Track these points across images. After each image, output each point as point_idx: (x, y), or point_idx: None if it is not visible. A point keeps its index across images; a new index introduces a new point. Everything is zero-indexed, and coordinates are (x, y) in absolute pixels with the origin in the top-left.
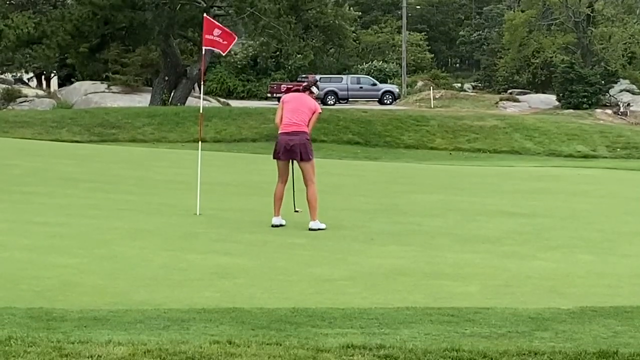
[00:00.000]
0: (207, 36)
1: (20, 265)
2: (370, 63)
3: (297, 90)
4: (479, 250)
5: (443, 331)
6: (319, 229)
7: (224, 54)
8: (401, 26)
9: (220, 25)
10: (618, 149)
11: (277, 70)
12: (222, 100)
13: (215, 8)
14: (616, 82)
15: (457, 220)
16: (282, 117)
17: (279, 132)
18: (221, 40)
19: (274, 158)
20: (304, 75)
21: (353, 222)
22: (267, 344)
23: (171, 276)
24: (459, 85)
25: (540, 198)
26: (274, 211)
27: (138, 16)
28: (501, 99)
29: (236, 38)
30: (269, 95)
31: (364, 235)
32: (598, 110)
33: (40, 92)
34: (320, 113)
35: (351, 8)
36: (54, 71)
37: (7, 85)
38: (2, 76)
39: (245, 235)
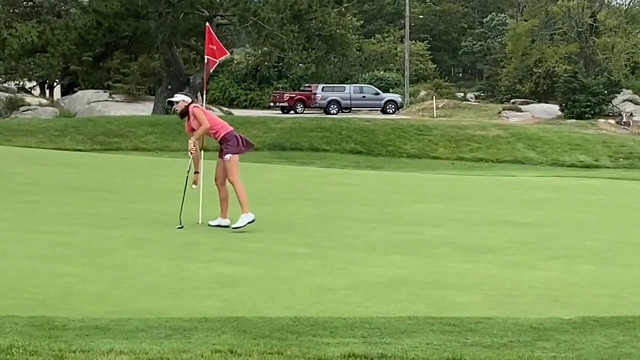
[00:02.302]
0: (209, 45)
1: (22, 273)
2: (372, 72)
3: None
4: (481, 260)
5: (445, 341)
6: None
7: (227, 54)
8: (404, 35)
9: (217, 40)
10: (621, 159)
11: (279, 79)
12: (225, 109)
13: (219, 17)
14: (619, 92)
15: (459, 230)
16: (217, 120)
17: (230, 130)
18: (216, 50)
19: (237, 153)
20: (307, 85)
21: (355, 231)
22: (269, 353)
23: (173, 285)
24: (462, 94)
25: (542, 208)
26: (246, 208)
27: (141, 25)
28: (504, 109)
29: (227, 54)
30: (271, 104)
31: (366, 244)
32: (601, 120)
33: (43, 101)
34: None
35: (354, 18)
36: (57, 80)
37: (10, 94)
38: (6, 85)
39: (248, 244)
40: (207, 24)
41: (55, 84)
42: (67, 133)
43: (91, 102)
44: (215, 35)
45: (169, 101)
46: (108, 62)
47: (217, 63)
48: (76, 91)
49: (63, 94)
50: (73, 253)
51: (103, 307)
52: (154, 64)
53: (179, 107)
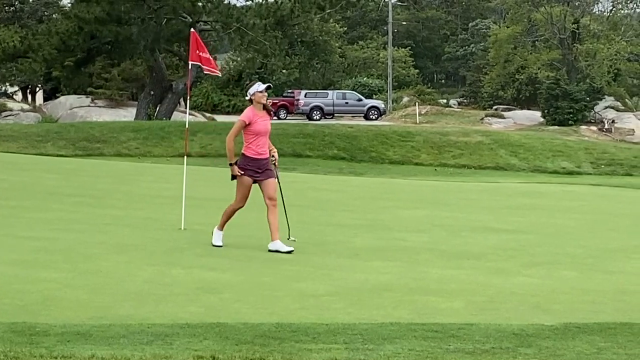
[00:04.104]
0: (196, 51)
1: (4, 279)
2: (355, 78)
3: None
4: (463, 266)
5: (427, 347)
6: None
7: (219, 74)
8: (387, 42)
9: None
10: (602, 166)
11: None
12: (208, 114)
13: (202, 23)
14: (601, 99)
15: (442, 236)
16: None
17: None
18: (211, 60)
19: None
20: (289, 91)
21: (338, 237)
22: (251, 359)
23: (156, 291)
24: (445, 101)
25: (524, 214)
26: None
27: (124, 30)
28: (486, 115)
29: (217, 72)
30: None
31: (349, 250)
32: (583, 127)
33: (26, 106)
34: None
35: (337, 24)
36: (40, 85)
37: None
38: None
39: (230, 250)
40: (192, 29)
41: (37, 89)
42: (49, 138)
43: (73, 107)
44: (204, 46)
45: (268, 85)
46: (90, 67)
47: (210, 70)
48: (58, 96)
49: (45, 99)
50: (55, 259)
51: (85, 313)
52: (136, 69)
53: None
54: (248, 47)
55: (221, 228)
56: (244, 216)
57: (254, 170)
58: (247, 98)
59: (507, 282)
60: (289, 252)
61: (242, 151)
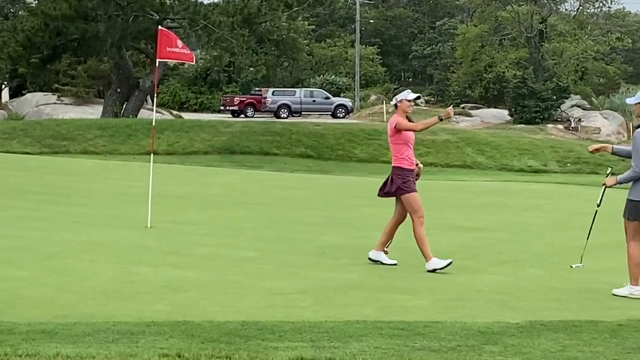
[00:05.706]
0: (165, 48)
1: None
2: (323, 76)
3: None
4: None
5: (393, 345)
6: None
7: (193, 63)
8: (355, 40)
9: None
10: (568, 164)
11: (229, 83)
12: (175, 112)
13: (169, 20)
14: (567, 98)
15: (409, 234)
16: None
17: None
18: (186, 52)
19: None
20: (257, 89)
21: (305, 235)
22: (217, 357)
23: (121, 289)
24: None
25: (491, 212)
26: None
27: (90, 27)
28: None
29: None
30: (221, 108)
31: (316, 248)
32: (549, 126)
33: None
34: (396, 129)
35: (305, 22)
36: (5, 82)
37: None
38: None
39: (197, 248)
40: (160, 27)
41: (3, 86)
42: (15, 136)
43: (40, 104)
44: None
45: (418, 96)
46: (56, 64)
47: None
48: (24, 94)
49: (11, 96)
50: (21, 257)
51: (50, 311)
52: (103, 66)
53: None
54: (215, 44)
55: (429, 258)
56: (208, 214)
57: (412, 180)
58: (392, 103)
59: (474, 280)
60: (449, 265)
61: (397, 164)
